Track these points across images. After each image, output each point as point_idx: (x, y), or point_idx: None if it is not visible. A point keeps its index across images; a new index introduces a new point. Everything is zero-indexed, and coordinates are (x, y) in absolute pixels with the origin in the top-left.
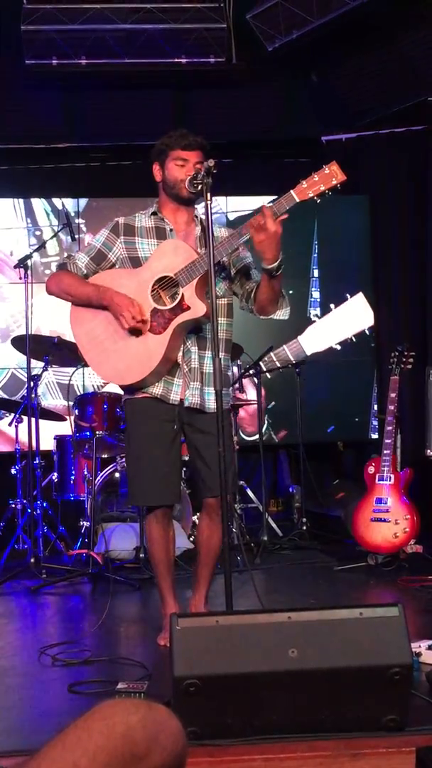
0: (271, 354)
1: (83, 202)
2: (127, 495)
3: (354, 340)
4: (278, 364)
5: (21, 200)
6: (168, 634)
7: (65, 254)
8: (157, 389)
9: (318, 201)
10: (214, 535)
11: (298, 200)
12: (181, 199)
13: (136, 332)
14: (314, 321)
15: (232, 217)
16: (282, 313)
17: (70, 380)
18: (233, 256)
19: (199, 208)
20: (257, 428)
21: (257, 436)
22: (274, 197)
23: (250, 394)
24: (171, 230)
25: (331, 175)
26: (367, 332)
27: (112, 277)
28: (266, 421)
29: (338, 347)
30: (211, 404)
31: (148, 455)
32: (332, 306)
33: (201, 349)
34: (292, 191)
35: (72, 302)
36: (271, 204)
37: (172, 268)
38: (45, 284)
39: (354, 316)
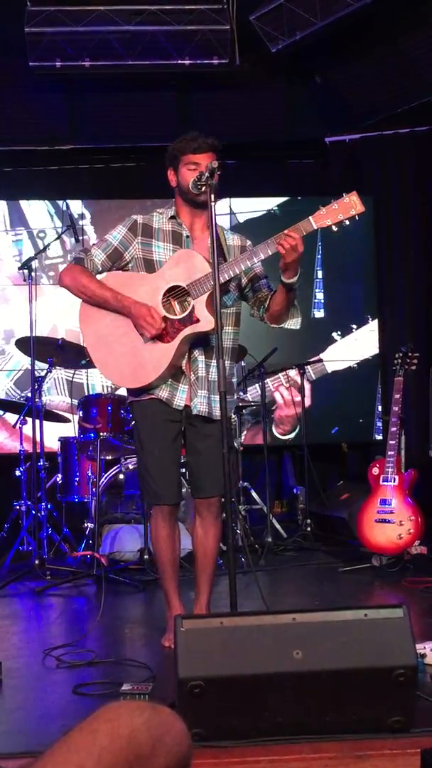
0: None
1: (87, 203)
2: (132, 496)
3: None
4: (314, 377)
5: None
6: (172, 636)
7: (73, 253)
8: (163, 392)
9: (335, 230)
10: (209, 535)
11: (315, 227)
12: (197, 203)
13: (144, 337)
14: (334, 339)
15: (241, 219)
16: (294, 323)
17: (72, 377)
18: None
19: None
20: (289, 428)
21: (291, 435)
22: (279, 198)
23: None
24: (187, 237)
25: (351, 205)
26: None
27: (126, 281)
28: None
29: (356, 366)
30: (218, 411)
31: (156, 455)
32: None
33: (208, 358)
34: (310, 218)
35: (85, 301)
36: (292, 228)
37: (185, 278)
38: (59, 276)
39: (368, 340)
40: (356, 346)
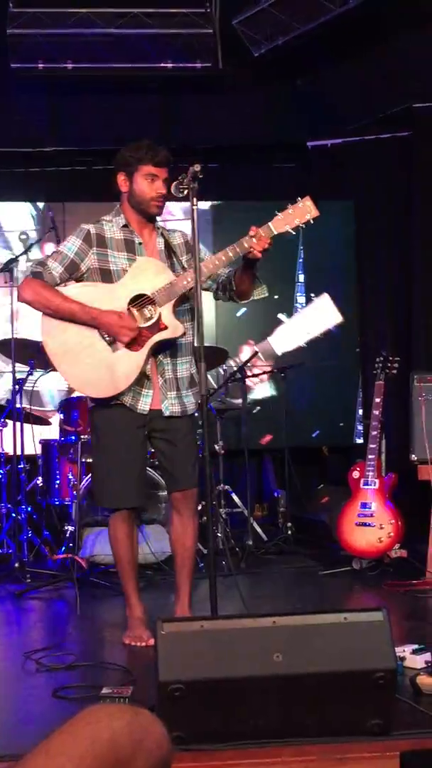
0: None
1: (69, 206)
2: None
3: (322, 336)
4: (263, 358)
5: None
6: (133, 633)
7: (31, 268)
8: (126, 398)
9: (293, 233)
10: (187, 530)
11: (275, 232)
12: (149, 215)
13: (113, 347)
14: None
15: (221, 222)
16: (260, 292)
17: (34, 386)
18: (189, 262)
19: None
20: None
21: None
22: (260, 202)
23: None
24: (140, 243)
25: (305, 210)
26: (333, 330)
27: (89, 293)
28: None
29: (305, 345)
30: (191, 406)
31: (120, 459)
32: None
33: (173, 358)
34: (270, 224)
35: (48, 314)
36: (257, 233)
37: (149, 287)
38: (18, 290)
39: (321, 315)
40: (305, 324)
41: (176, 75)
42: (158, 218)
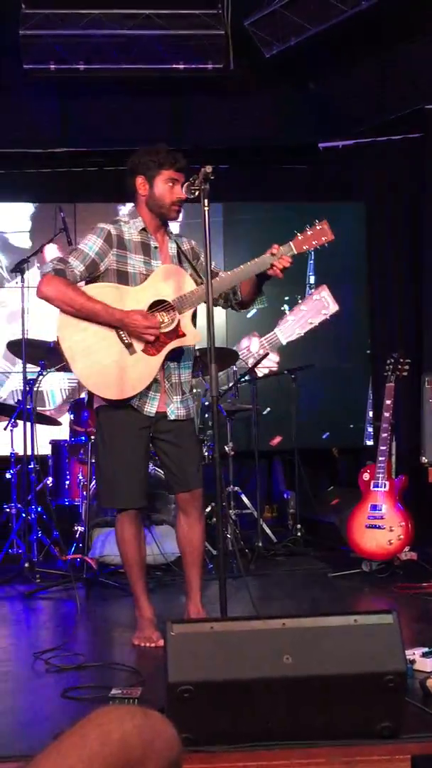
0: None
1: (80, 207)
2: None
3: (319, 325)
4: (270, 349)
5: None
6: (142, 634)
7: (49, 264)
8: (134, 400)
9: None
10: (194, 530)
11: (295, 252)
12: (167, 219)
13: (129, 350)
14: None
15: (233, 223)
16: (259, 302)
17: (38, 386)
18: (199, 266)
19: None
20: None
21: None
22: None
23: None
24: (156, 247)
25: (323, 233)
26: (328, 318)
27: (111, 294)
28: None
29: (304, 334)
30: (193, 410)
31: (126, 460)
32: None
33: (178, 362)
34: (291, 243)
35: (69, 313)
36: (279, 252)
37: (169, 293)
38: (38, 287)
39: (320, 305)
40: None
41: (187, 76)
42: (169, 225)
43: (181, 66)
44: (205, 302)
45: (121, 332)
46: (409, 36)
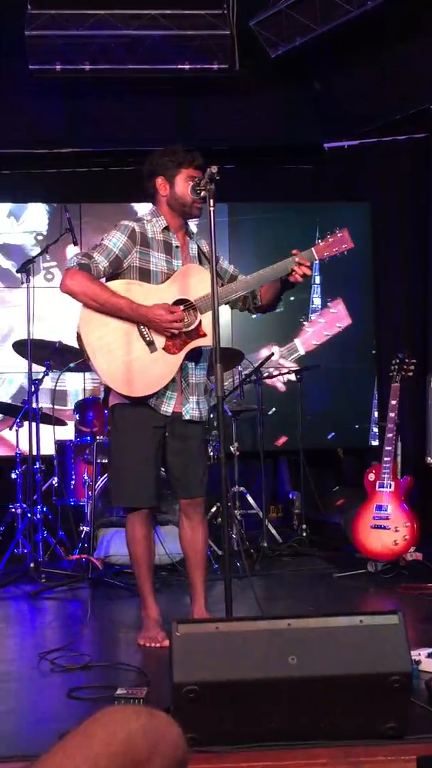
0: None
1: (86, 207)
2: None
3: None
4: (289, 359)
5: None
6: (148, 634)
7: (73, 259)
8: (151, 399)
9: (327, 260)
10: (197, 534)
11: (316, 259)
12: (191, 217)
13: (150, 347)
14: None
15: (239, 223)
16: (278, 307)
17: (56, 384)
18: (219, 269)
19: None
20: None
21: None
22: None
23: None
24: (177, 247)
25: (343, 241)
26: (341, 330)
27: (135, 290)
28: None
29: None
30: (205, 412)
31: (138, 459)
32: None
33: (196, 363)
34: (312, 249)
35: (92, 308)
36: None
37: (193, 293)
38: (62, 281)
39: (336, 318)
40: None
41: (193, 76)
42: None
43: (187, 66)
44: (226, 303)
45: (143, 329)
46: (414, 36)
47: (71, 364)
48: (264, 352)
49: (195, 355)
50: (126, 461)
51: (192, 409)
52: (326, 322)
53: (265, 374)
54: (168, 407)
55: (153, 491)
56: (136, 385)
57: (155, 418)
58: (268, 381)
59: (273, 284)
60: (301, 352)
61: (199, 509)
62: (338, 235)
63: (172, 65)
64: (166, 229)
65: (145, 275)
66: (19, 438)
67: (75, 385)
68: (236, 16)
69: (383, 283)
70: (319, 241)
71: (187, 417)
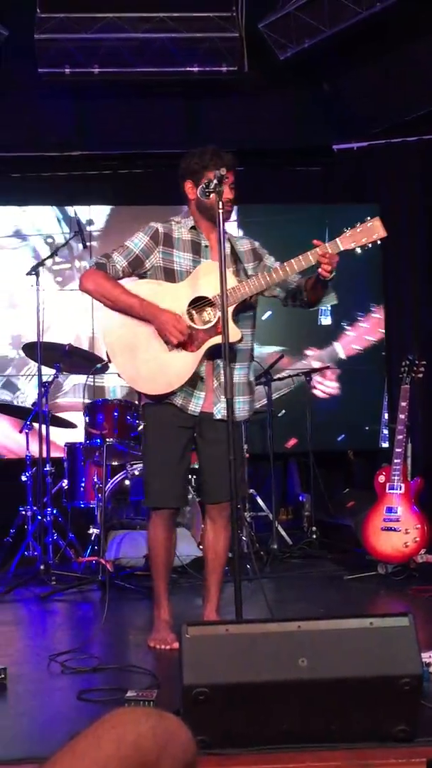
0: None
1: (95, 209)
2: (137, 502)
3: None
4: (328, 363)
5: None
6: (158, 636)
7: (93, 258)
8: (177, 399)
9: (359, 252)
10: (219, 538)
11: (341, 248)
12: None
13: (168, 345)
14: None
15: (248, 225)
16: (330, 299)
17: (93, 381)
18: (261, 267)
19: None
20: None
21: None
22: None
23: None
24: (206, 246)
25: (374, 230)
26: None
27: (151, 289)
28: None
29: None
30: (242, 413)
31: (163, 459)
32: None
33: (230, 362)
34: (337, 240)
35: (107, 306)
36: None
37: (210, 290)
38: (80, 280)
39: (379, 324)
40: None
41: (202, 79)
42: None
43: (196, 69)
44: (247, 300)
45: None
46: (423, 36)
47: (98, 365)
48: (265, 352)
49: (231, 354)
50: (151, 460)
51: (224, 408)
52: (371, 326)
53: (275, 377)
54: (196, 407)
55: (176, 492)
56: (155, 383)
57: (182, 418)
58: (314, 391)
59: (312, 279)
60: (342, 356)
61: (224, 513)
62: (368, 224)
63: (181, 68)
64: (194, 228)
65: (169, 275)
66: (29, 440)
67: (113, 381)
68: (245, 18)
69: (392, 285)
70: (347, 230)
71: (218, 416)
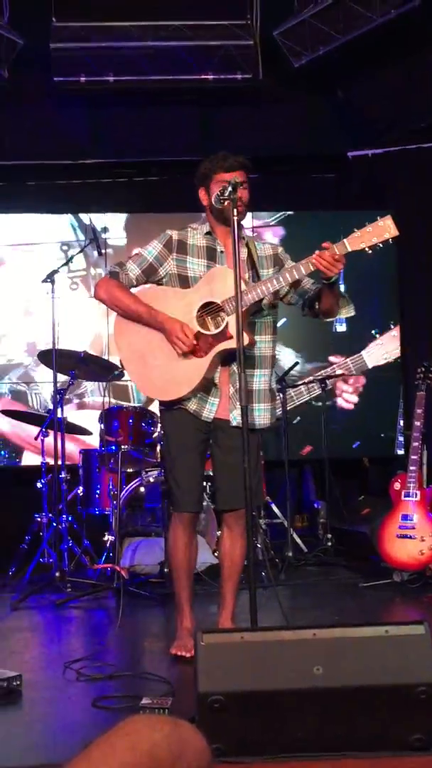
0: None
1: (110, 217)
2: (152, 509)
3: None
4: (354, 372)
5: None
6: (182, 643)
7: (107, 267)
8: (191, 405)
9: (370, 252)
10: (236, 546)
11: (350, 250)
12: (229, 222)
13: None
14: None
15: (263, 232)
16: (347, 311)
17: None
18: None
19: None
20: None
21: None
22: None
23: None
24: (221, 252)
25: (385, 229)
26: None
27: (161, 296)
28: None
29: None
30: (261, 420)
31: (179, 464)
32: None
33: (248, 369)
34: (345, 240)
35: (119, 314)
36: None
37: (220, 294)
38: (94, 288)
39: (393, 345)
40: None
41: (216, 87)
42: (244, 228)
43: (210, 76)
44: (257, 304)
45: None
46: None
47: (116, 372)
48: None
49: (247, 361)
50: (169, 465)
51: (239, 415)
52: (387, 345)
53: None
54: (209, 413)
55: (192, 496)
56: (165, 389)
57: (197, 424)
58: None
59: (322, 288)
60: (369, 365)
61: (241, 521)
62: (379, 223)
63: (195, 76)
64: (209, 234)
65: (183, 281)
66: (44, 447)
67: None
68: (259, 26)
69: (408, 291)
70: (356, 229)
71: (234, 423)
